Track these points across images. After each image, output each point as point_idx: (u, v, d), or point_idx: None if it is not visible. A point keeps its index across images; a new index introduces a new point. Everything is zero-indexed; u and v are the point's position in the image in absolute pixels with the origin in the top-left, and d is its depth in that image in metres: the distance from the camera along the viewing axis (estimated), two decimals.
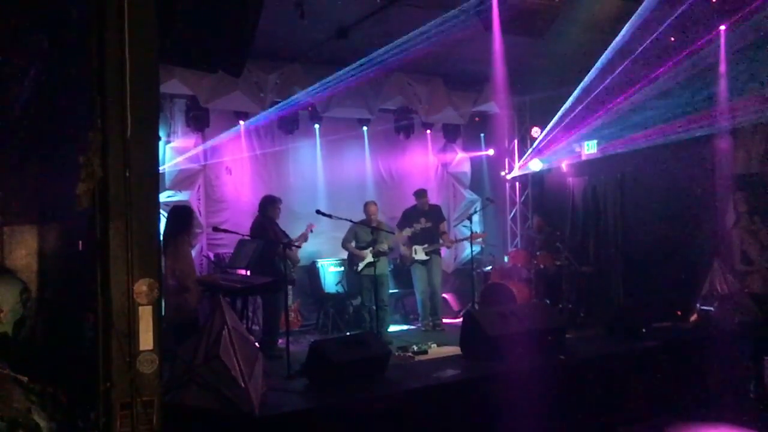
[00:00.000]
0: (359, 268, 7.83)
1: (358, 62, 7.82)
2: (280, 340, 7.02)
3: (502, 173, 10.78)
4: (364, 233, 7.78)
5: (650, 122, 8.05)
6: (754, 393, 6.24)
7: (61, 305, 2.56)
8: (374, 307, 7.39)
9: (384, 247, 7.72)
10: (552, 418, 5.18)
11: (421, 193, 8.52)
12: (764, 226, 7.63)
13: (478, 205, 10.21)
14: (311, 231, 7.65)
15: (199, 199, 8.30)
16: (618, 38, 7.51)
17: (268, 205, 7.18)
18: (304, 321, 8.57)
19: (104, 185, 2.11)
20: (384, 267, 7.81)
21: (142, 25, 2.13)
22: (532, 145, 10.15)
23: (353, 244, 7.92)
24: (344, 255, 8.92)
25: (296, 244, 7.26)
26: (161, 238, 5.50)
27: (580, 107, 8.73)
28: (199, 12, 3.29)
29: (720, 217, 7.96)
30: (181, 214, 5.86)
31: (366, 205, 7.90)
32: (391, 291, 8.88)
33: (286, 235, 7.12)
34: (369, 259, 7.69)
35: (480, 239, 9.05)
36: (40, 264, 2.59)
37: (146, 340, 2.14)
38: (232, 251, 7.35)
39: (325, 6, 6.54)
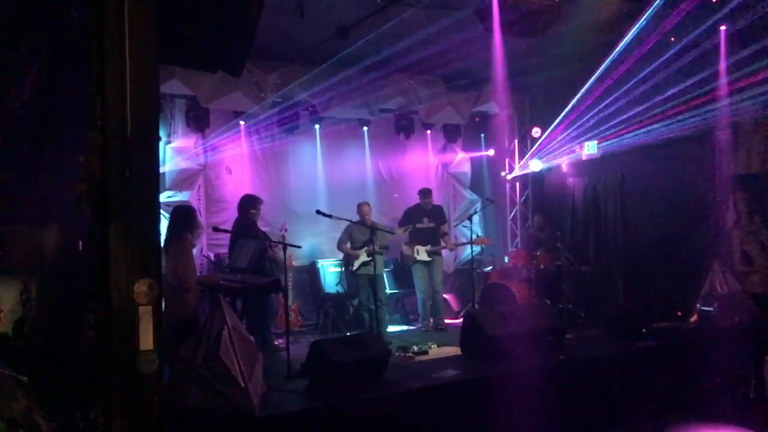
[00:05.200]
0: (355, 268, 7.82)
1: (358, 62, 7.83)
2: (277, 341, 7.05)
3: (503, 173, 10.78)
4: (359, 233, 7.78)
5: (651, 122, 8.05)
6: (754, 393, 6.24)
7: (61, 305, 2.56)
8: (372, 307, 7.39)
9: (378, 247, 7.66)
10: (552, 418, 5.18)
11: (426, 193, 8.51)
12: (764, 226, 7.63)
13: (478, 206, 10.21)
14: (285, 230, 7.62)
15: (199, 199, 8.30)
16: (619, 38, 7.52)
17: (249, 206, 7.09)
18: (304, 321, 8.57)
19: (104, 185, 2.10)
20: (380, 266, 7.79)
21: (142, 25, 2.13)
22: (532, 145, 10.16)
23: (348, 244, 7.91)
24: None
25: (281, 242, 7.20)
26: (164, 237, 5.52)
27: (580, 107, 8.73)
28: (199, 12, 3.29)
29: (720, 217, 7.96)
30: (184, 214, 5.85)
31: (360, 205, 7.90)
32: (391, 291, 8.89)
33: (268, 237, 7.07)
34: (364, 258, 7.69)
35: (482, 244, 9.06)
36: (39, 264, 2.58)
37: (146, 340, 2.13)
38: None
39: (325, 6, 6.55)
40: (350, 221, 7.51)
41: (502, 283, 8.80)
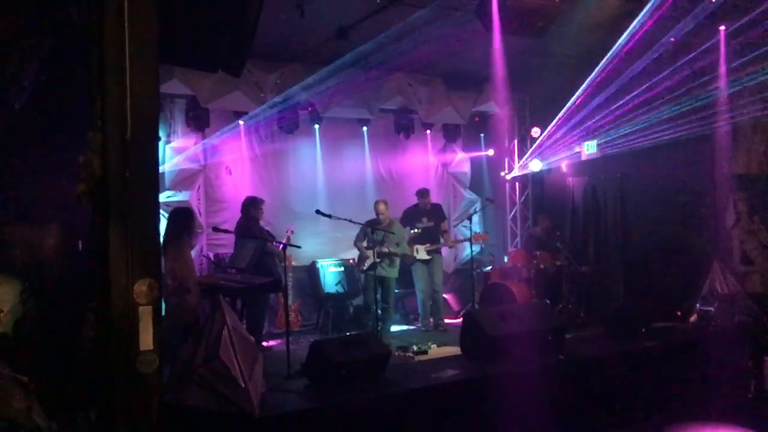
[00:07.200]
0: (365, 267, 7.75)
1: (358, 62, 7.82)
2: (264, 342, 7.05)
3: (502, 173, 10.78)
4: (371, 233, 7.73)
5: (650, 122, 8.05)
6: (754, 393, 6.24)
7: (61, 305, 2.56)
8: (374, 308, 7.35)
9: (386, 249, 7.57)
10: (552, 418, 5.18)
11: (423, 193, 8.50)
12: (764, 226, 7.63)
13: (478, 205, 10.21)
14: (291, 233, 7.72)
15: (199, 199, 8.30)
16: (619, 38, 7.52)
17: (251, 206, 7.21)
18: (304, 321, 8.57)
19: (104, 185, 2.10)
20: (389, 270, 7.66)
21: (142, 25, 2.13)
22: (532, 145, 10.16)
23: (365, 243, 7.83)
24: (344, 255, 8.92)
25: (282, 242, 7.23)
26: (161, 239, 5.52)
27: (580, 107, 8.73)
28: (199, 12, 3.29)
29: (720, 217, 7.96)
30: (181, 216, 5.87)
31: (375, 204, 7.80)
32: None
33: (271, 235, 7.14)
34: (371, 260, 7.63)
35: (481, 240, 9.05)
36: (39, 264, 2.58)
37: (146, 340, 2.13)
38: (231, 251, 7.37)
39: (325, 6, 6.54)
40: (350, 221, 7.45)
41: (502, 283, 8.79)
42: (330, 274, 8.75)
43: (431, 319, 8.36)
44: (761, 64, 7.17)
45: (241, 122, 8.47)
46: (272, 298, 7.91)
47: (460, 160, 10.63)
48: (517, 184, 10.78)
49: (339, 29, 7.17)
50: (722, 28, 7.40)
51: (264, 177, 8.86)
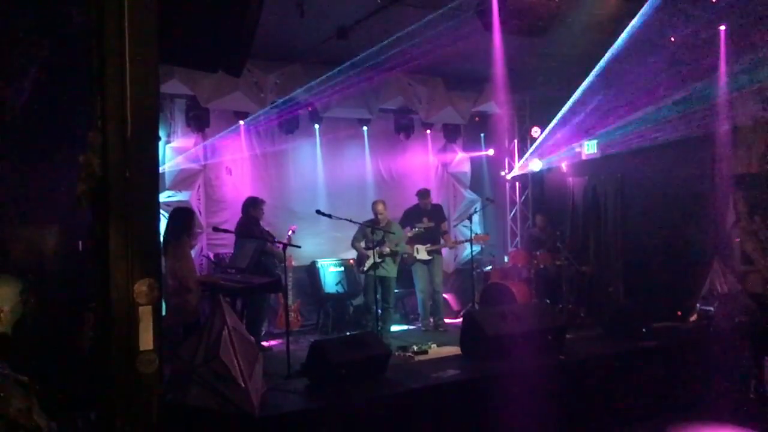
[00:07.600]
0: (366, 268, 7.75)
1: (358, 62, 7.83)
2: (264, 342, 7.05)
3: (502, 173, 10.78)
4: (372, 233, 7.73)
5: (650, 122, 8.05)
6: (754, 393, 6.24)
7: (61, 305, 2.56)
8: (375, 308, 7.35)
9: (387, 249, 7.58)
10: (552, 418, 5.18)
11: (424, 193, 8.50)
12: (764, 226, 7.62)
13: (478, 205, 10.21)
14: (293, 232, 7.73)
15: (199, 199, 8.30)
16: (618, 38, 7.52)
17: (251, 207, 7.26)
18: (304, 321, 8.57)
19: (104, 185, 2.10)
20: (389, 270, 7.66)
21: (142, 25, 2.13)
22: (532, 145, 10.16)
23: (362, 243, 7.83)
24: (344, 255, 8.90)
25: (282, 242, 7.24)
26: (162, 239, 5.53)
27: (580, 107, 8.73)
28: (199, 12, 3.29)
29: (720, 217, 7.95)
30: (181, 216, 5.87)
31: (372, 204, 7.81)
32: None
33: (271, 235, 7.15)
34: (371, 260, 7.62)
35: (482, 241, 9.04)
36: (40, 264, 2.59)
37: (146, 340, 2.13)
38: (232, 251, 7.37)
39: (325, 6, 6.54)
40: (350, 221, 7.45)
41: (502, 283, 8.79)
42: (330, 274, 8.75)
43: (431, 319, 8.36)
44: (761, 63, 7.17)
45: (241, 122, 8.47)
46: (272, 298, 7.91)
47: (460, 160, 10.63)
48: (517, 183, 10.78)
49: (339, 29, 7.16)
50: (722, 28, 7.40)
51: (264, 177, 8.87)
